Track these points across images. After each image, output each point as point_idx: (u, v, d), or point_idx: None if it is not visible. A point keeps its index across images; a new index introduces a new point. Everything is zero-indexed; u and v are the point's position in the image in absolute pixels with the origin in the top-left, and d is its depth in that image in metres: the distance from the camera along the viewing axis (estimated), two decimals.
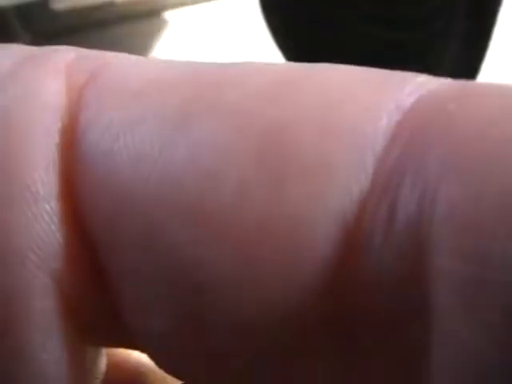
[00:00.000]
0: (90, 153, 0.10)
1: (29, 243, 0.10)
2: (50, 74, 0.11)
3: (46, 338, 0.10)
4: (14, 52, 0.11)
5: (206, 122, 0.10)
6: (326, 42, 0.63)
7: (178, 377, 0.11)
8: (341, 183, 0.09)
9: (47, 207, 0.10)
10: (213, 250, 0.09)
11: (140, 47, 0.76)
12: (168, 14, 0.77)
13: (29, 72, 0.11)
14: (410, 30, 0.61)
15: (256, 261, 0.09)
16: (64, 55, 0.11)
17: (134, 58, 0.11)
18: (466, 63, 0.64)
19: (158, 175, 0.10)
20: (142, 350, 0.11)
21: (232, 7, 0.77)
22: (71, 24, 0.74)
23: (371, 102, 0.09)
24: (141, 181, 0.10)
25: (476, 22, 0.62)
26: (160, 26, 0.77)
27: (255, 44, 0.75)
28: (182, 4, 0.77)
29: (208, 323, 0.10)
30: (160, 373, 0.13)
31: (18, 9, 0.74)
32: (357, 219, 0.09)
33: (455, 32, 0.62)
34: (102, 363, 0.12)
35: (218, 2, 0.78)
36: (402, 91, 0.09)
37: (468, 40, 0.63)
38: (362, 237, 0.09)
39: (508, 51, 0.70)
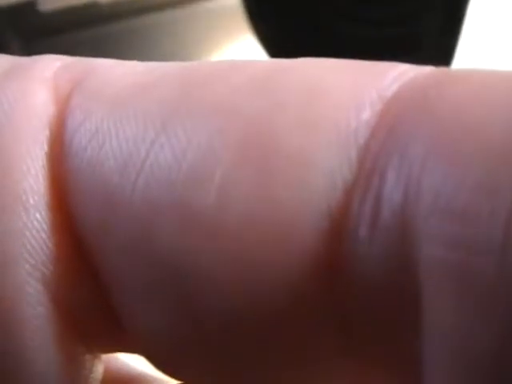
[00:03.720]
0: (78, 160, 0.10)
1: (20, 251, 0.10)
2: (37, 83, 0.11)
3: (40, 345, 0.10)
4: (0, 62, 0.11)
5: (189, 120, 0.10)
6: (311, 44, 0.63)
7: (178, 378, 0.11)
8: (325, 174, 0.09)
9: (38, 216, 0.10)
10: (200, 248, 0.09)
11: (127, 47, 0.76)
12: (154, 15, 0.77)
13: (15, 82, 0.11)
14: (392, 28, 0.62)
15: (242, 255, 0.09)
16: (50, 64, 0.11)
17: (117, 62, 0.11)
18: (441, 50, 0.65)
19: (144, 178, 0.10)
20: (141, 353, 0.11)
21: (218, 10, 0.77)
22: (59, 25, 0.74)
23: (354, 91, 0.09)
24: (129, 184, 0.10)
25: (451, 12, 0.63)
26: (147, 26, 0.77)
27: (241, 46, 0.75)
28: (167, 5, 0.77)
29: (199, 317, 0.10)
30: (155, 380, 0.13)
31: (5, 10, 0.74)
32: (343, 209, 0.09)
33: (432, 25, 0.63)
34: (100, 370, 0.12)
35: (204, 4, 0.78)
36: (383, 80, 0.09)
37: (443, 29, 0.63)
38: (349, 227, 0.09)
39: (480, 37, 0.71)
